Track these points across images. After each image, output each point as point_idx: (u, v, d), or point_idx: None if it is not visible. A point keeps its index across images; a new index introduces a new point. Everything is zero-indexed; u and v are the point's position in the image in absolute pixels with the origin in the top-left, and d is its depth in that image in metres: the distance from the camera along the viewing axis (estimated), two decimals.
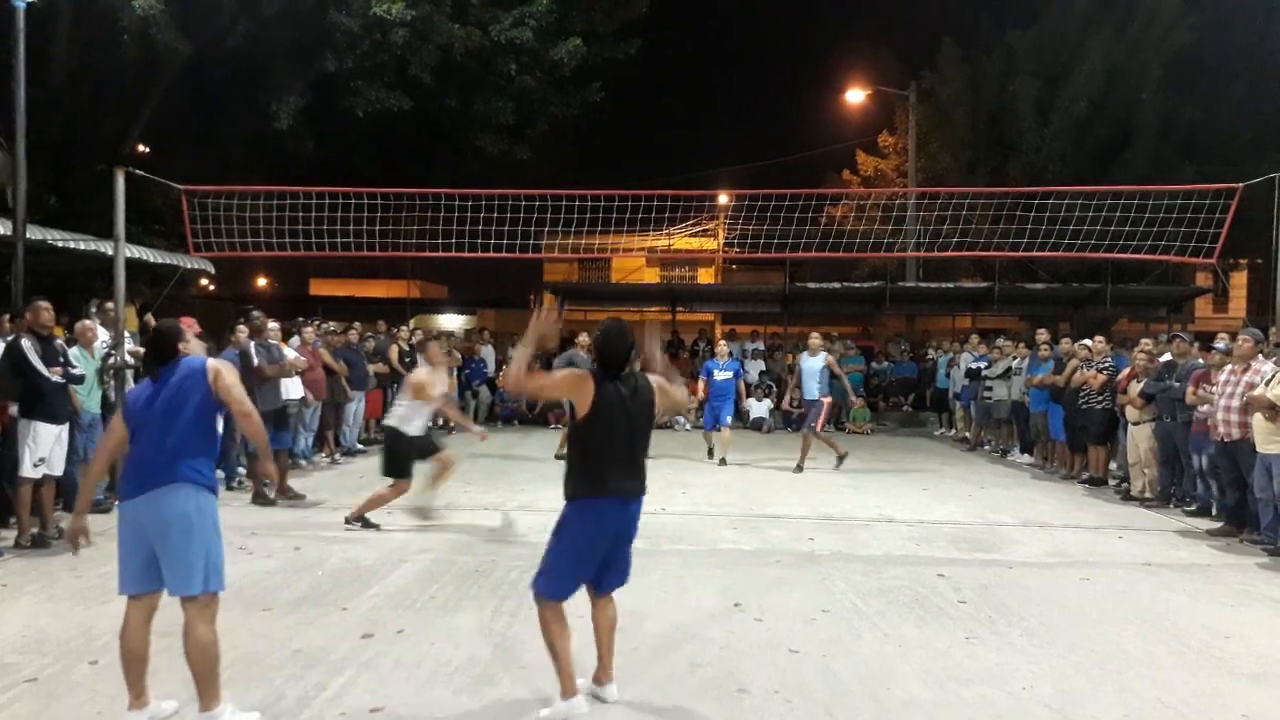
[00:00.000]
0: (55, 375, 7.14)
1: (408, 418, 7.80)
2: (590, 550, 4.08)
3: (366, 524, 7.79)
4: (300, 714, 4.03)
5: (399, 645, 4.92)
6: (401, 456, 7.80)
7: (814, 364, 11.37)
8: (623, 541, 4.19)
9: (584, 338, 12.28)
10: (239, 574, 6.30)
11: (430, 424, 8.26)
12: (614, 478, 4.05)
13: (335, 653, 4.78)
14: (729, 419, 12.29)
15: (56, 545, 7.03)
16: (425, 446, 7.97)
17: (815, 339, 11.85)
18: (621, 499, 4.09)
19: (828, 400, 11.58)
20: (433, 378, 8.01)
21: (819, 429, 11.65)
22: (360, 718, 4.02)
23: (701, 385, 12.88)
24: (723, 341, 14.33)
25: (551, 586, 4.07)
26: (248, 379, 9.04)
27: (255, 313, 9.65)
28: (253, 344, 9.19)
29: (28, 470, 7.01)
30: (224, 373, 4.04)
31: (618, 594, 4.26)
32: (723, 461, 12.05)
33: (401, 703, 4.18)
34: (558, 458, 11.44)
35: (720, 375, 12.46)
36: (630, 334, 4.18)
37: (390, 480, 7.82)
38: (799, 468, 11.55)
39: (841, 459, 11.49)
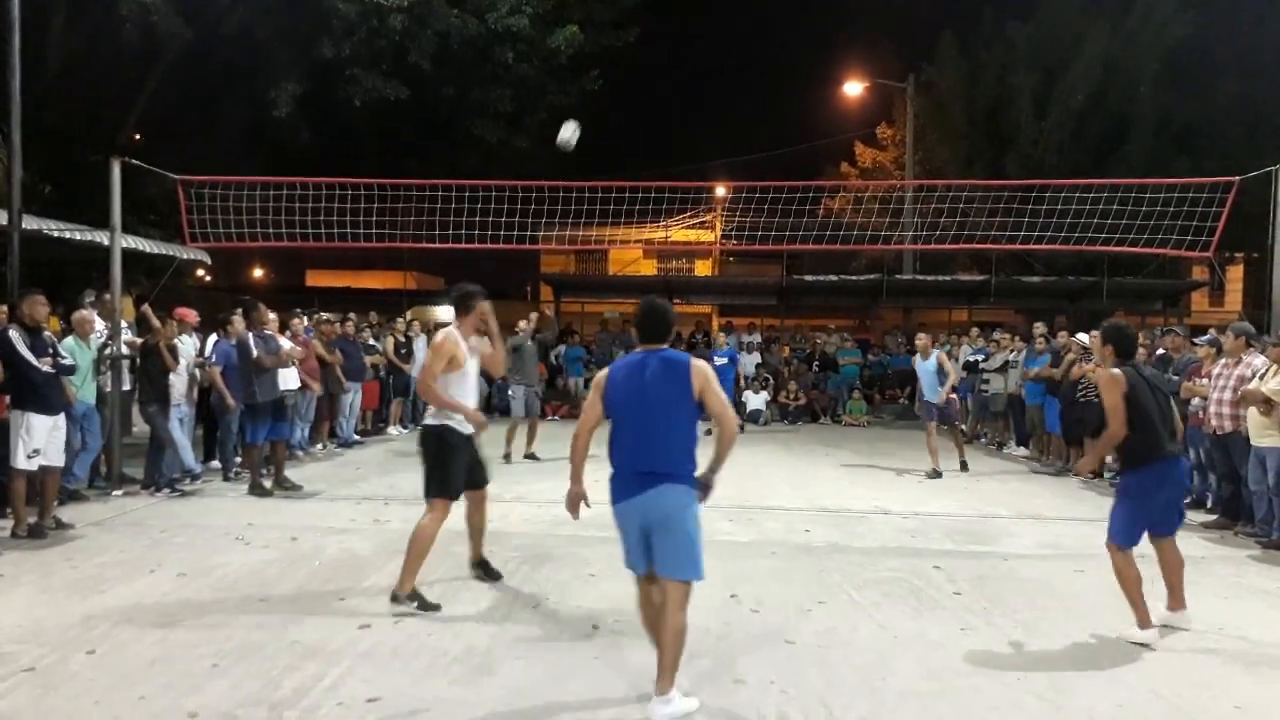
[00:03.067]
0: (46, 366, 7.12)
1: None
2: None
3: (424, 604, 5.35)
4: (298, 704, 4.04)
5: (396, 635, 4.93)
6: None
7: (929, 366, 11.16)
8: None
9: (524, 323, 11.95)
10: (236, 564, 6.32)
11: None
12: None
13: (332, 643, 4.79)
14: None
15: (53, 536, 7.03)
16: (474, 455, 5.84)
17: (923, 339, 11.51)
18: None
19: (955, 396, 11.37)
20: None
21: (957, 425, 11.75)
22: (357, 708, 4.03)
23: None
24: (720, 333, 14.53)
25: None
26: (246, 370, 9.05)
27: (257, 303, 9.64)
28: (251, 335, 9.18)
29: (21, 462, 7.00)
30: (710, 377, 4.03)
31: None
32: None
33: (399, 693, 4.19)
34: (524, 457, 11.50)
35: (718, 361, 13.11)
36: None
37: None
38: (963, 465, 11.40)
39: (933, 474, 10.90)
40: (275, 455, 9.35)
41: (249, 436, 9.21)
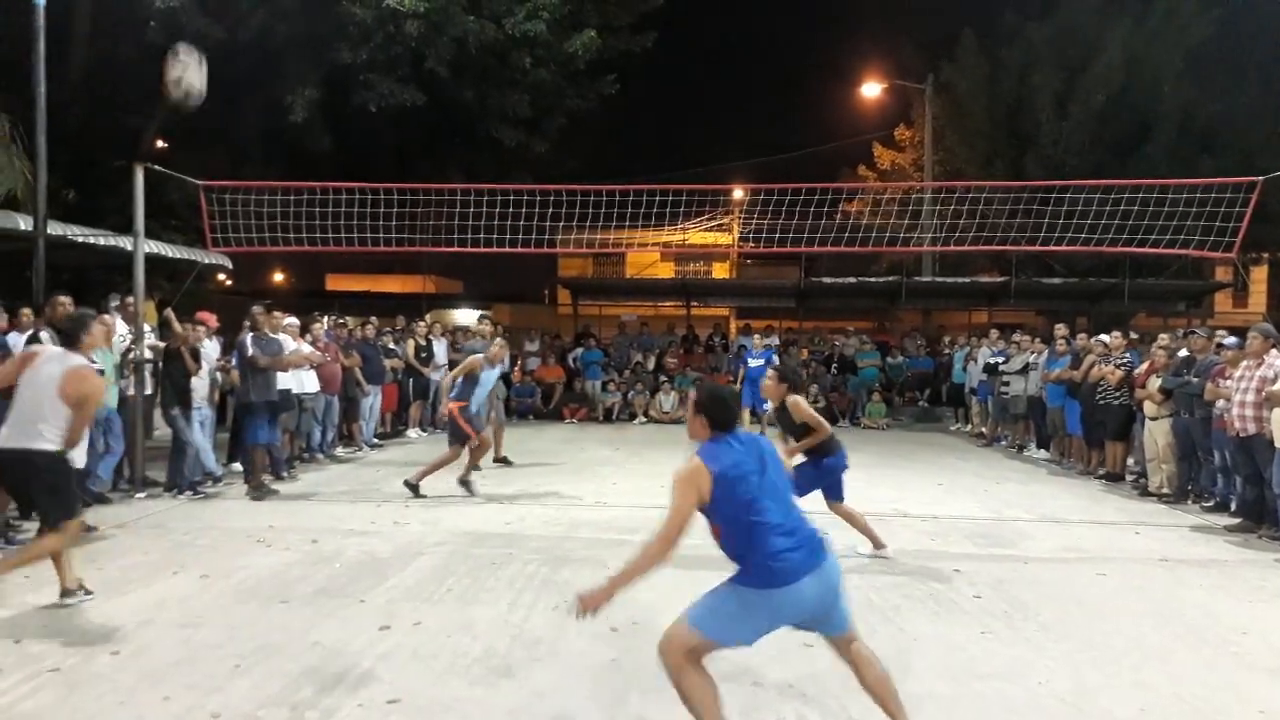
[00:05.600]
0: None
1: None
2: None
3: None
4: (319, 705, 4.07)
5: (416, 637, 4.96)
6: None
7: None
8: None
9: (484, 325, 11.72)
10: (258, 566, 6.37)
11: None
12: None
13: (353, 644, 4.82)
14: (767, 405, 12.78)
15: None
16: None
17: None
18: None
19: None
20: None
21: None
22: (378, 709, 4.06)
23: (740, 374, 14.66)
24: (757, 335, 15.03)
25: None
26: (242, 369, 9.14)
27: (255, 308, 9.69)
28: (249, 336, 9.22)
29: None
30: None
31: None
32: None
33: (418, 694, 4.21)
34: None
35: (753, 363, 13.59)
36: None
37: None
38: None
39: None
40: (257, 459, 9.33)
41: (249, 437, 9.26)
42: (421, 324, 15.52)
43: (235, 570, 6.25)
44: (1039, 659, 4.80)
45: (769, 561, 3.40)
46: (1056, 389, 12.02)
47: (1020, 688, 4.40)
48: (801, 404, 6.78)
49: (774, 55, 70.25)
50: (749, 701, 4.19)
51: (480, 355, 9.53)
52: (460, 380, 9.35)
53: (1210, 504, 9.16)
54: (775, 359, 13.65)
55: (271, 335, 9.60)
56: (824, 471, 6.83)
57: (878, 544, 6.92)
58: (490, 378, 9.63)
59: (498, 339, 10.55)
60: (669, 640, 3.50)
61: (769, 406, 12.78)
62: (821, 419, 6.81)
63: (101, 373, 7.79)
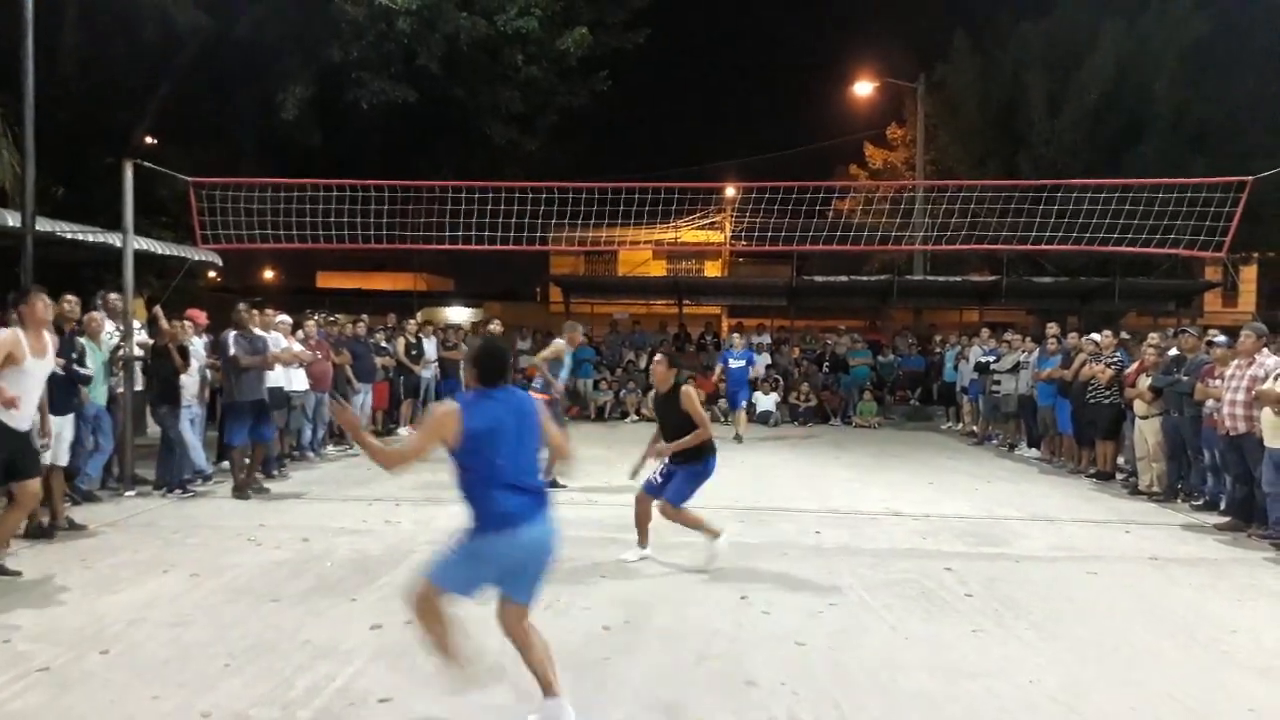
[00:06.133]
0: (57, 368, 7.13)
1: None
2: None
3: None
4: (310, 704, 4.06)
5: (408, 636, 4.92)
6: None
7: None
8: None
9: (495, 325, 12.58)
10: (248, 565, 6.34)
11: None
12: None
13: (344, 643, 4.81)
14: (745, 401, 13.18)
15: (61, 536, 7.07)
16: None
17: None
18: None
19: None
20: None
21: None
22: (369, 707, 4.05)
23: (717, 371, 14.52)
24: (735, 335, 14.77)
25: None
26: (225, 368, 9.09)
27: (241, 305, 9.64)
28: (232, 334, 9.16)
29: None
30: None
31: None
32: (738, 438, 12.75)
33: (410, 693, 4.20)
34: None
35: (734, 363, 13.44)
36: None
37: None
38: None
39: None
40: (253, 456, 9.31)
41: (228, 437, 9.22)
42: (412, 322, 15.47)
43: (226, 569, 6.22)
44: (1030, 657, 4.81)
45: (496, 509, 3.75)
46: (1047, 388, 12.05)
47: (1011, 686, 4.41)
48: (694, 396, 6.40)
49: (766, 53, 70.32)
50: (742, 700, 4.19)
51: (562, 341, 9.93)
52: (547, 369, 9.68)
53: (1200, 503, 9.20)
54: (755, 358, 13.65)
55: (259, 333, 9.54)
56: (694, 478, 6.43)
57: (714, 533, 6.47)
58: (569, 363, 10.04)
59: (573, 324, 10.74)
60: (410, 589, 3.94)
61: (746, 400, 13.03)
62: (706, 418, 6.48)
63: (90, 379, 7.77)
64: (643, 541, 6.71)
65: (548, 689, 3.86)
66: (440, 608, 3.85)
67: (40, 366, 6.15)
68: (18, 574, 5.96)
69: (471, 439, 3.69)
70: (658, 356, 6.84)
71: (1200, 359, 9.12)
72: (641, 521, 6.66)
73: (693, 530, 6.50)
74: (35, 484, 6.03)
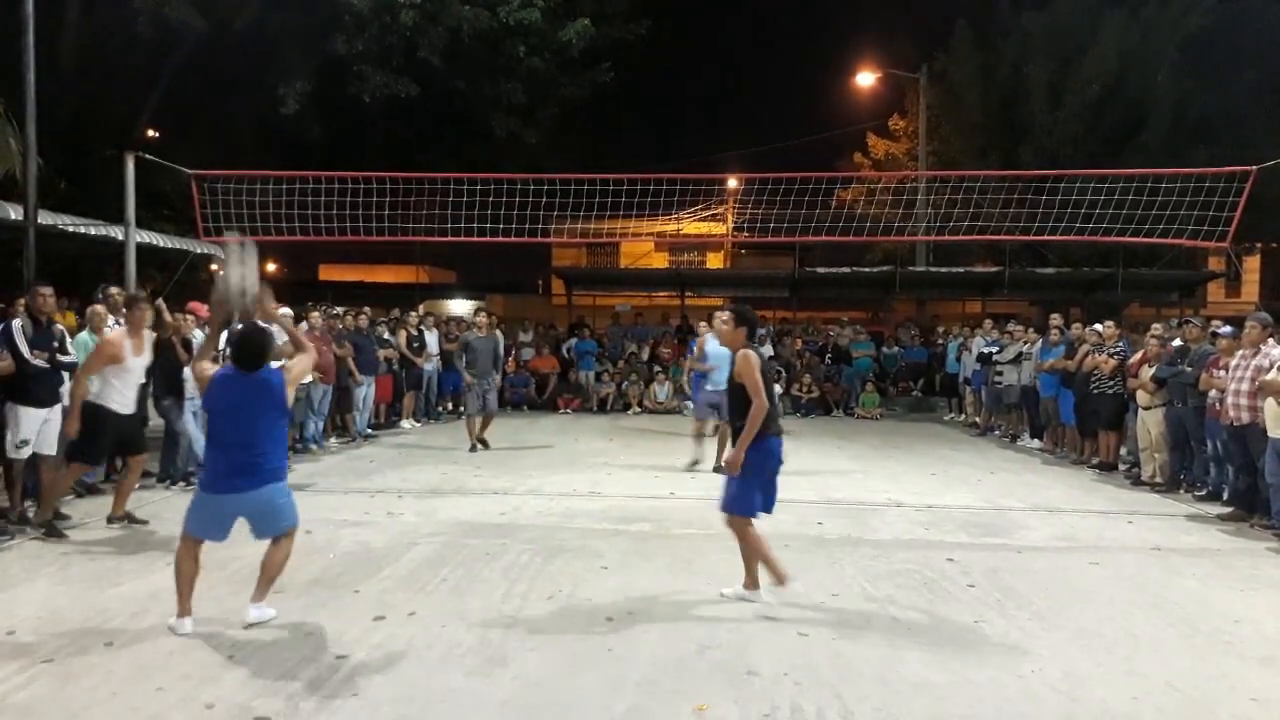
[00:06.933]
0: (38, 360, 7.16)
1: None
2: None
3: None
4: (313, 695, 4.07)
5: (410, 627, 4.96)
6: None
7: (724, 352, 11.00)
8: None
9: (481, 316, 12.20)
10: (251, 557, 6.33)
11: None
12: (776, 423, 5.36)
13: (347, 635, 4.82)
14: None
15: (62, 527, 7.07)
16: None
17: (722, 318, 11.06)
18: (778, 438, 5.38)
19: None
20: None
21: None
22: (372, 698, 4.05)
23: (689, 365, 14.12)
24: (703, 324, 14.22)
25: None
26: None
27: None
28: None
29: (10, 451, 7.11)
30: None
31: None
32: (715, 430, 12.45)
33: (413, 684, 4.21)
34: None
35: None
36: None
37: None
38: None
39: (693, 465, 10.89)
40: None
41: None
42: (414, 314, 15.47)
43: (229, 561, 6.22)
44: (1032, 647, 4.81)
45: (207, 470, 4.86)
46: (1050, 379, 12.04)
47: (1013, 675, 4.41)
48: (752, 361, 5.30)
49: (769, 44, 70.11)
50: (744, 690, 4.19)
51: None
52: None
53: (1203, 493, 9.19)
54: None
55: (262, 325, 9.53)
56: (748, 473, 5.29)
57: (780, 579, 5.36)
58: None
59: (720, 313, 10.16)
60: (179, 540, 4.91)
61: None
62: (762, 389, 5.22)
63: (75, 365, 7.81)
64: (753, 580, 5.50)
65: (257, 595, 4.95)
66: (196, 553, 4.88)
67: (139, 363, 7.41)
68: (64, 535, 6.84)
69: (209, 401, 4.89)
70: (725, 314, 5.77)
71: (1204, 349, 9.10)
72: (749, 557, 5.48)
73: (752, 563, 5.48)
74: (144, 456, 7.57)
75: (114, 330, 7.47)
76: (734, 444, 5.34)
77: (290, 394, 4.97)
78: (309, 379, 10.72)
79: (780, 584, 5.33)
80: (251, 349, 4.85)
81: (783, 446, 5.47)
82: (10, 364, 6.89)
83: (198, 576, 4.88)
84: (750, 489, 5.30)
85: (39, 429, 7.19)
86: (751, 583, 5.47)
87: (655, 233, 25.31)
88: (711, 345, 9.97)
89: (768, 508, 5.43)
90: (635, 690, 4.18)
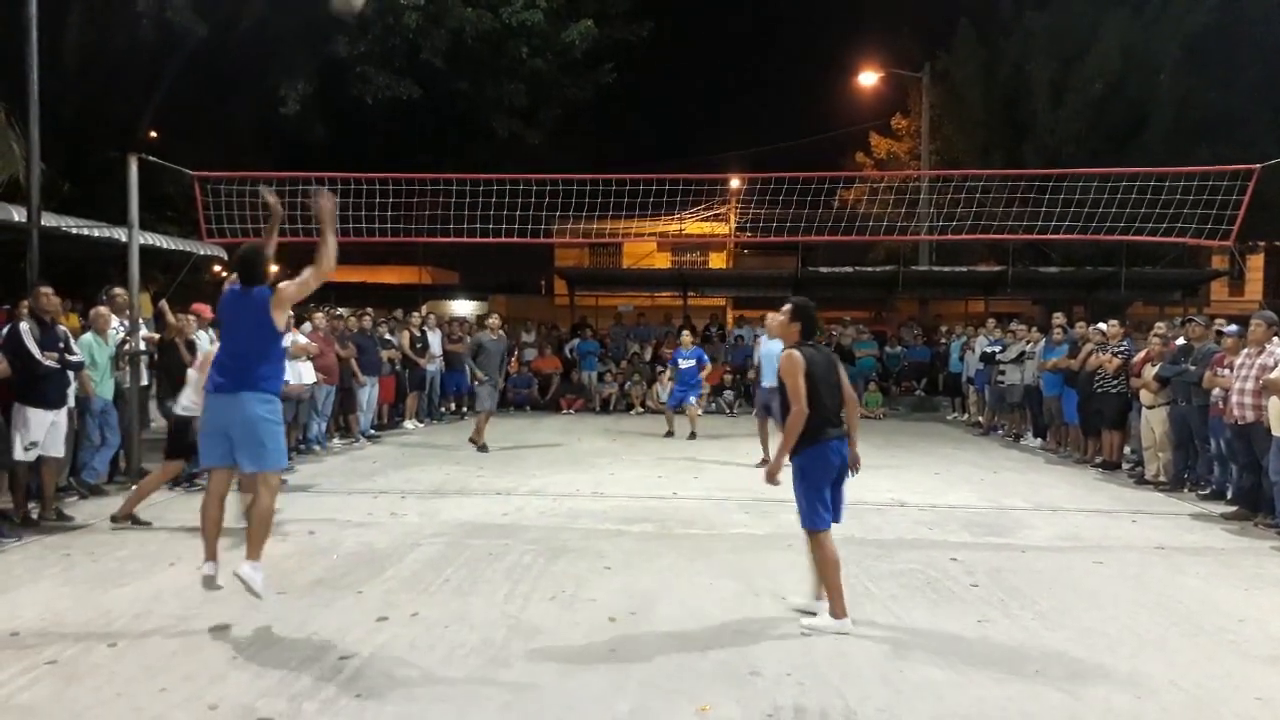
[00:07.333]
0: (49, 360, 7.17)
1: None
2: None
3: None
4: (316, 696, 4.07)
5: (413, 628, 4.96)
6: None
7: (776, 348, 11.10)
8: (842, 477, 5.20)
9: (494, 319, 12.57)
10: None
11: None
12: (832, 426, 5.08)
13: (351, 636, 4.82)
14: (694, 398, 13.27)
15: (47, 526, 7.14)
16: None
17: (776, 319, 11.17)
18: (838, 440, 5.12)
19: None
20: None
21: None
22: (375, 699, 4.05)
23: (668, 372, 14.73)
24: (686, 333, 14.25)
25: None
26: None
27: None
28: (212, 331, 9.16)
29: (18, 453, 7.11)
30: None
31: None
32: (693, 435, 12.94)
33: (416, 685, 4.21)
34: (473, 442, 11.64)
35: (684, 364, 13.22)
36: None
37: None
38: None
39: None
40: None
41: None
42: (417, 315, 15.49)
43: (232, 562, 6.23)
44: (1036, 647, 4.80)
45: (210, 374, 5.21)
46: (1053, 378, 12.02)
47: (1017, 675, 4.40)
48: (796, 361, 5.06)
49: (771, 43, 70.01)
50: (747, 690, 4.19)
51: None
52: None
53: (1207, 492, 9.18)
54: (705, 358, 13.49)
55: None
56: (801, 480, 5.12)
57: (842, 616, 5.05)
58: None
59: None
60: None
61: (697, 398, 13.15)
62: (802, 392, 5.02)
63: (82, 364, 7.83)
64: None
65: (250, 553, 5.04)
66: (223, 496, 5.33)
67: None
68: (148, 524, 7.27)
69: (220, 316, 5.51)
70: (785, 306, 5.40)
71: (1208, 348, 9.08)
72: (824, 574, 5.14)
73: (822, 586, 5.17)
74: (181, 462, 7.84)
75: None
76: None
77: (287, 306, 5.40)
78: (312, 380, 10.74)
79: (839, 615, 4.97)
80: (247, 266, 5.38)
81: (845, 446, 5.18)
82: (5, 367, 6.90)
83: (222, 522, 5.25)
84: (811, 501, 5.03)
85: (47, 431, 7.21)
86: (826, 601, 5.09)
87: (658, 233, 25.32)
88: (766, 345, 10.39)
89: (837, 516, 5.17)
90: (638, 690, 4.18)
